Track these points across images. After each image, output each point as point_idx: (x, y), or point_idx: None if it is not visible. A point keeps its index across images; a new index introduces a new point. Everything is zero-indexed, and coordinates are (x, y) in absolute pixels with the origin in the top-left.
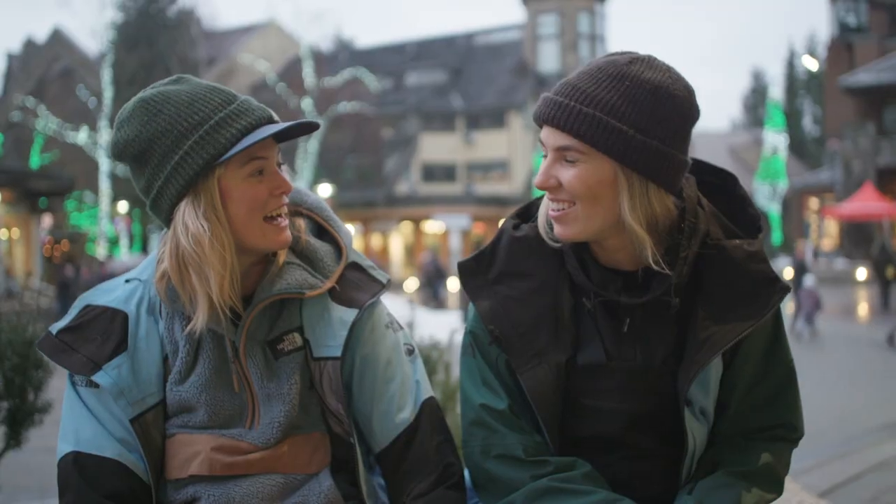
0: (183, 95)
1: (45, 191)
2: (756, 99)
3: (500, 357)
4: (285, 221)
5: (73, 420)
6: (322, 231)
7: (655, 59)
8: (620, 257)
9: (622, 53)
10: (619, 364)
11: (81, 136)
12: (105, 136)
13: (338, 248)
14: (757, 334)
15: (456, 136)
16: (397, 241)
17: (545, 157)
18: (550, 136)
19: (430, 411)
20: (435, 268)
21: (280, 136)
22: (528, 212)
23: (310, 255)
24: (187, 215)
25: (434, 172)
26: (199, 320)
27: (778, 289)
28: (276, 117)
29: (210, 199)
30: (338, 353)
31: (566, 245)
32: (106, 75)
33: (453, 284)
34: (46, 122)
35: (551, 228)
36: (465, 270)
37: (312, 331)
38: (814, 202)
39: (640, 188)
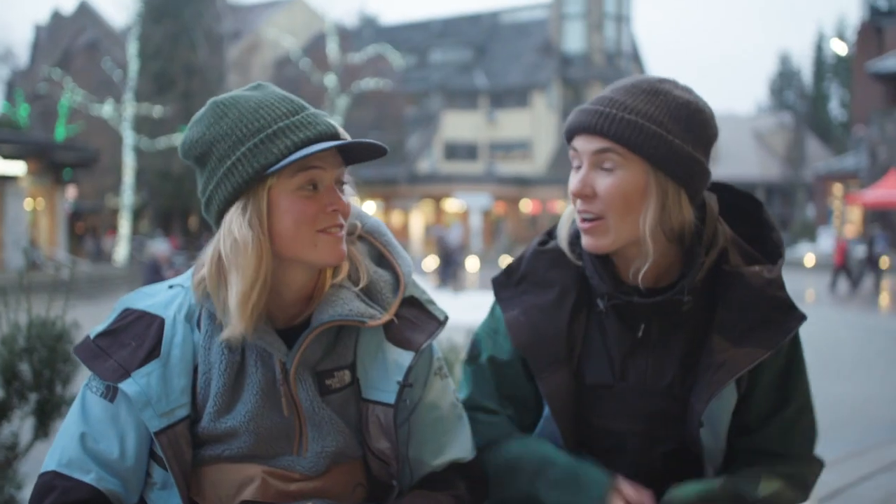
0: (252, 101)
1: (70, 162)
2: (783, 83)
3: (509, 365)
4: (341, 233)
5: (67, 435)
6: (380, 257)
7: (679, 82)
8: (641, 268)
9: (648, 76)
10: (625, 386)
11: (106, 109)
12: (129, 109)
13: (395, 276)
14: (773, 362)
15: (479, 114)
16: (418, 219)
17: (578, 168)
18: (587, 142)
19: (465, 472)
20: (443, 246)
21: (346, 158)
22: (556, 231)
23: (367, 284)
24: (234, 222)
25: (456, 151)
26: (231, 329)
27: (795, 317)
28: (342, 133)
29: (257, 208)
30: (391, 400)
31: (588, 255)
32: (132, 48)
33: (472, 264)
34: (72, 94)
35: (572, 243)
36: (498, 284)
37: (364, 370)
38: (838, 188)
39: (673, 195)
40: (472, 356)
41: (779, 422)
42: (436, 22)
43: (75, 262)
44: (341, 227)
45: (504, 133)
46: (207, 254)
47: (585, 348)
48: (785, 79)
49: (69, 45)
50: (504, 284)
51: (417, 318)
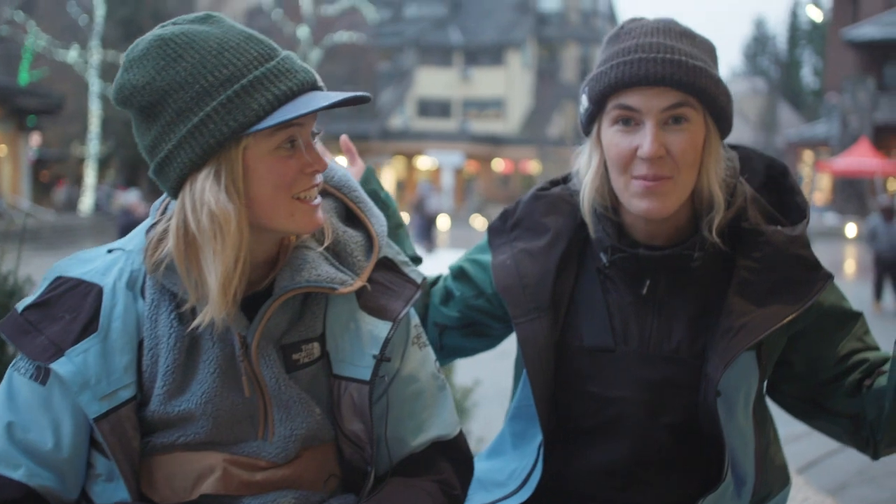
0: (212, 41)
1: (34, 109)
2: (757, 48)
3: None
4: (318, 200)
5: None
6: (350, 215)
7: None
8: (661, 230)
9: (660, 18)
10: (626, 349)
11: (72, 55)
12: (96, 55)
13: (368, 236)
14: (810, 314)
15: (453, 71)
16: (389, 176)
17: (627, 125)
18: (655, 97)
19: (448, 451)
20: (423, 208)
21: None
22: (556, 183)
23: (335, 245)
24: (208, 190)
25: (429, 108)
26: (210, 313)
27: (821, 275)
28: (319, 82)
29: (232, 173)
30: (366, 377)
31: (587, 220)
32: None
33: (444, 223)
34: (35, 38)
35: (598, 219)
36: (493, 230)
37: (335, 342)
38: (808, 155)
39: (719, 147)
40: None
41: (855, 332)
42: None
43: (35, 211)
44: (317, 187)
45: (478, 91)
46: (172, 225)
47: (584, 307)
48: (759, 44)
49: None
50: (499, 231)
51: (393, 282)
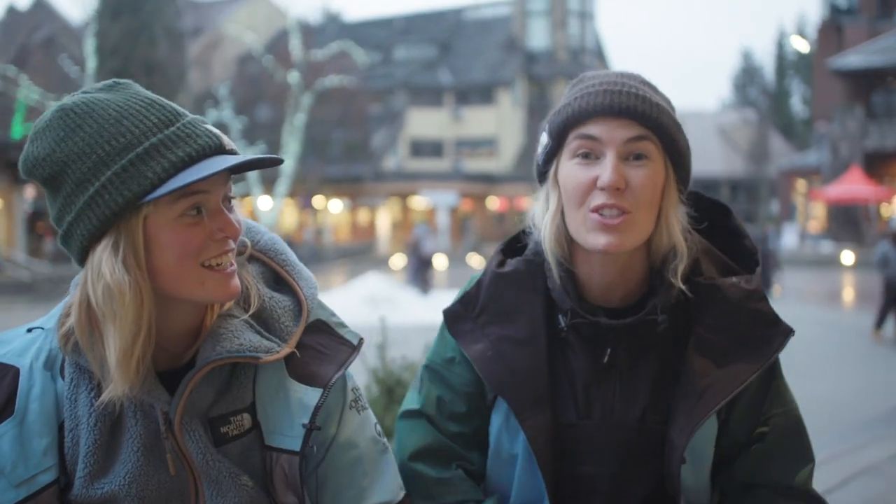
0: (111, 109)
1: None
2: (745, 79)
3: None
4: (232, 268)
5: None
6: (279, 279)
7: None
8: (615, 283)
9: (623, 70)
10: (590, 423)
11: None
12: None
13: (297, 301)
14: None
15: (444, 111)
16: (385, 217)
17: (587, 158)
18: (619, 128)
19: None
20: (417, 251)
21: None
22: (511, 246)
23: (261, 312)
24: (104, 262)
25: (421, 148)
26: (113, 390)
27: (780, 331)
28: (228, 144)
29: (132, 243)
30: (297, 447)
31: (552, 267)
32: (89, 44)
33: (440, 263)
34: (28, 91)
35: (559, 261)
36: (452, 316)
37: (265, 412)
38: (801, 184)
39: (677, 195)
40: (410, 410)
41: (761, 449)
42: (399, 19)
43: (30, 263)
44: (230, 253)
45: (470, 130)
46: (74, 299)
47: (550, 378)
48: (748, 75)
49: (25, 41)
50: (461, 316)
51: (326, 345)
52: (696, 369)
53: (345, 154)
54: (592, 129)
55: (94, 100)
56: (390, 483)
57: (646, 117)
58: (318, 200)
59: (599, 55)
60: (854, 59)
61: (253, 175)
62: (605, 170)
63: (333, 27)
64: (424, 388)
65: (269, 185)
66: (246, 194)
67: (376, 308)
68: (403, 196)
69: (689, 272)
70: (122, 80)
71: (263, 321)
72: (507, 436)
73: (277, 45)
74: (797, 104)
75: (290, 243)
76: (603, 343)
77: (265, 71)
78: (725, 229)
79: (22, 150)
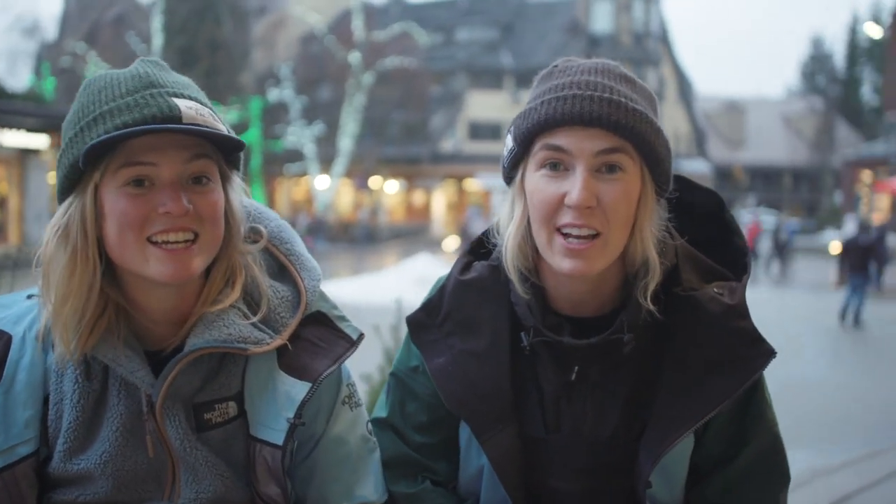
0: (105, 79)
1: None
2: (814, 66)
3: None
4: (178, 246)
5: None
6: (282, 268)
7: None
8: (585, 298)
9: (598, 59)
10: (559, 438)
11: None
12: None
13: (297, 291)
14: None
15: (504, 94)
16: (440, 199)
17: (555, 170)
18: (587, 140)
19: None
20: (466, 231)
21: (223, 149)
22: (480, 247)
23: (259, 301)
24: (52, 224)
25: (480, 131)
26: (57, 349)
27: (762, 352)
28: (189, 118)
29: (81, 206)
30: (279, 441)
31: (515, 283)
32: (156, 22)
33: None
34: (95, 67)
35: (522, 277)
36: (416, 325)
37: (253, 403)
38: (867, 175)
39: (654, 204)
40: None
41: (735, 468)
42: (462, 0)
43: None
44: (182, 231)
45: None
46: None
47: (516, 392)
48: (817, 62)
49: (98, 18)
50: (424, 325)
51: (323, 338)
52: (672, 387)
53: (403, 135)
54: (561, 139)
55: (106, 74)
56: (376, 483)
57: (619, 127)
58: (374, 181)
59: (664, 39)
60: None
61: (311, 154)
62: (574, 187)
63: (396, 8)
64: (391, 395)
65: (326, 165)
66: (304, 173)
67: (425, 289)
68: (459, 178)
69: (668, 281)
70: (151, 59)
71: (259, 310)
72: (474, 449)
73: (340, 25)
74: (868, 93)
75: (346, 224)
76: (570, 360)
77: (327, 51)
78: (720, 220)
79: None
